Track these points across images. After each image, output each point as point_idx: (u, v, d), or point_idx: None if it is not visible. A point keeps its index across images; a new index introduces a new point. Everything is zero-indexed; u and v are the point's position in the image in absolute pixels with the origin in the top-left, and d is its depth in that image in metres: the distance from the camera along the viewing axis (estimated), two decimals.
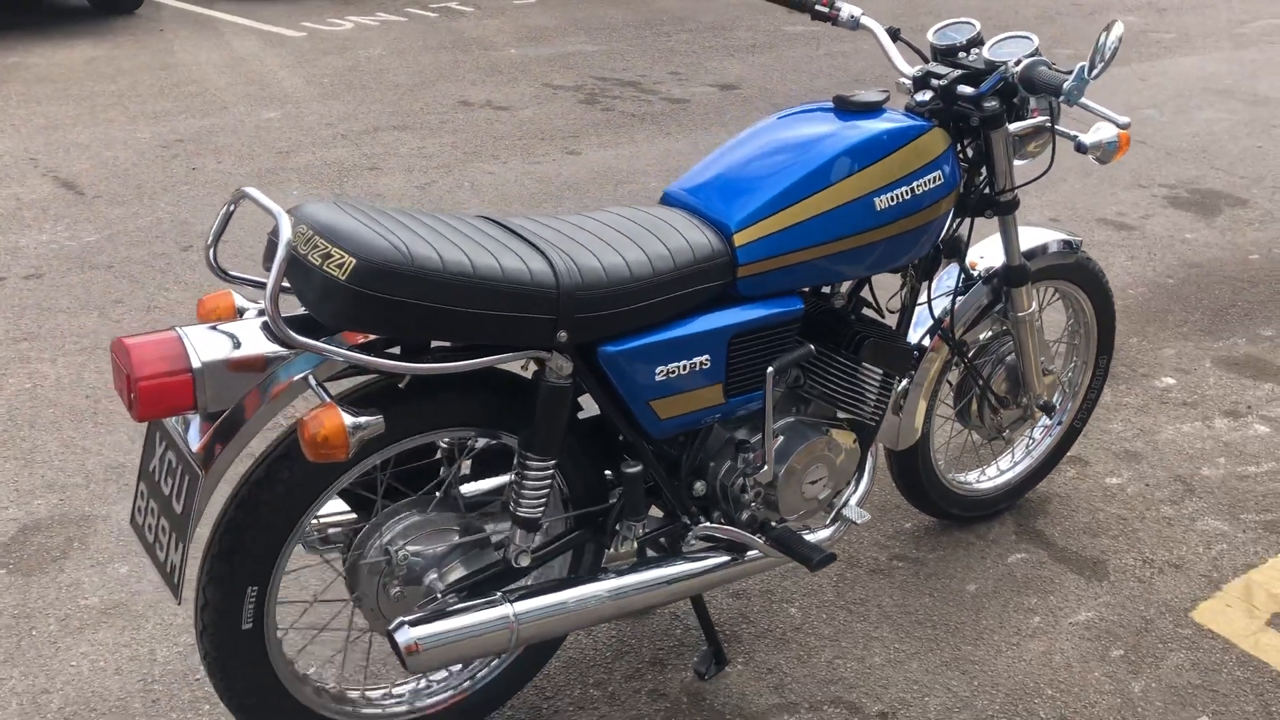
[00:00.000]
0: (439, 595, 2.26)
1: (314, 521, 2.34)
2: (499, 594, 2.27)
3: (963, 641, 2.95)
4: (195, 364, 1.94)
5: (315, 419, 1.90)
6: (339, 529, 2.38)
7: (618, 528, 2.46)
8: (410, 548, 2.28)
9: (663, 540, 2.58)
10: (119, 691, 2.73)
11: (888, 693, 2.77)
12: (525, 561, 2.32)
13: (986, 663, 2.87)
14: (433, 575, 2.32)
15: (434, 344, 2.15)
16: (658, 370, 2.28)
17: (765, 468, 2.51)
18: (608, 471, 2.47)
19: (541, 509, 2.29)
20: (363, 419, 1.93)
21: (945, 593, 3.14)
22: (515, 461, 2.27)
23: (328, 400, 1.96)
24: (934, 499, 3.26)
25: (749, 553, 2.61)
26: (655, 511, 2.58)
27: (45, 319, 4.67)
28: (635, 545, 2.48)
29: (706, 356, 2.33)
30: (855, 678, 2.82)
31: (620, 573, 2.44)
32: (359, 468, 2.15)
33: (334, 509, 2.37)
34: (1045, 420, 3.41)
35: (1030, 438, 3.51)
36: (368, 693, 2.46)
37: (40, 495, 3.50)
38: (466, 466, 2.48)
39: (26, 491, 3.52)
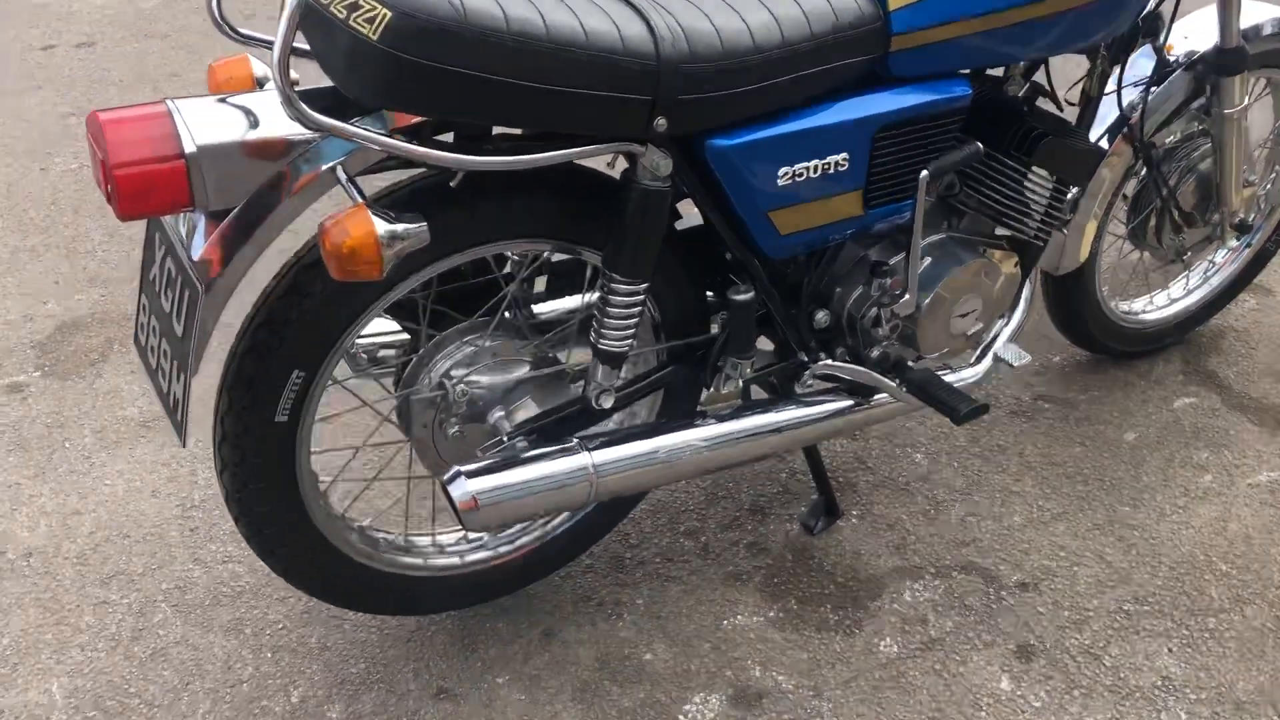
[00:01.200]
0: (505, 438, 1.87)
1: (358, 342, 1.95)
2: (575, 440, 1.87)
3: (1119, 501, 2.51)
4: (190, 148, 1.51)
5: (339, 225, 1.47)
6: (393, 350, 1.99)
7: (720, 364, 2.02)
8: (471, 379, 1.88)
9: (773, 380, 2.15)
10: (155, 517, 2.44)
11: (1029, 559, 2.36)
12: (608, 402, 1.91)
13: (1147, 528, 2.43)
14: (498, 413, 1.93)
15: (496, 131, 1.68)
16: (781, 172, 1.79)
17: (906, 296, 2.04)
18: (710, 295, 2.02)
19: (628, 341, 1.85)
20: (401, 226, 1.49)
21: (1099, 441, 2.68)
22: (599, 283, 1.82)
23: (358, 201, 1.52)
24: (1091, 331, 2.76)
25: (875, 397, 2.17)
26: (764, 345, 2.13)
27: (96, 92, 4.27)
28: (739, 385, 2.05)
29: (845, 155, 1.83)
30: (991, 540, 2.41)
31: (720, 418, 2.02)
32: (406, 284, 1.73)
33: (382, 328, 1.97)
34: (1234, 241, 2.84)
35: (1211, 261, 2.95)
36: (439, 538, 2.11)
37: (82, 290, 3.18)
38: (540, 284, 2.05)
39: (68, 284, 3.20)
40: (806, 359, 2.12)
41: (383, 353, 1.99)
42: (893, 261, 2.04)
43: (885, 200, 1.94)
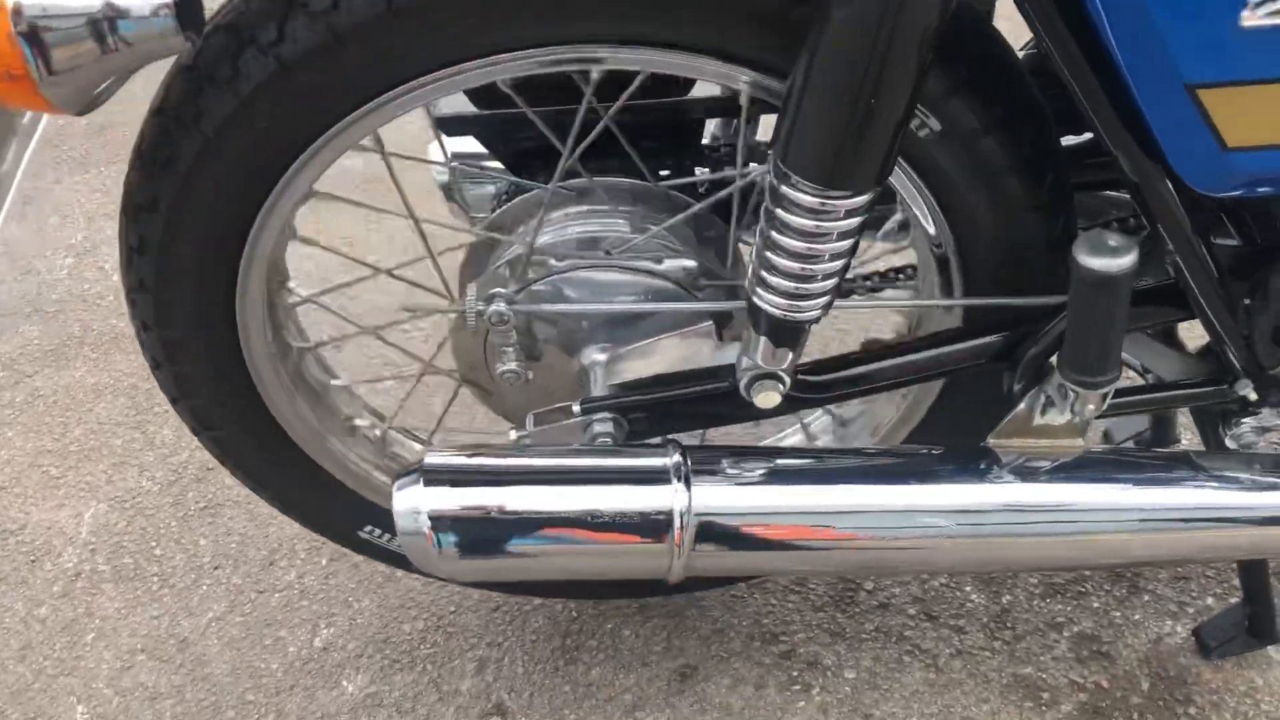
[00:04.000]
0: (579, 408, 1.02)
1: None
2: (669, 443, 0.98)
3: None
4: None
5: None
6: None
7: (1047, 373, 0.99)
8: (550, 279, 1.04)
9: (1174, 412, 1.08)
10: None
11: None
12: (768, 399, 0.98)
13: None
14: (596, 354, 1.07)
15: None
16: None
17: None
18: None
19: (825, 296, 0.90)
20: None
21: None
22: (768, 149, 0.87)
23: None
24: None
25: None
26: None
27: None
28: (1085, 417, 1.01)
29: None
30: None
31: (1024, 471, 1.01)
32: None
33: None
34: None
35: None
36: None
37: None
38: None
39: None
40: (1254, 395, 1.02)
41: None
42: None
43: None
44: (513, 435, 1.04)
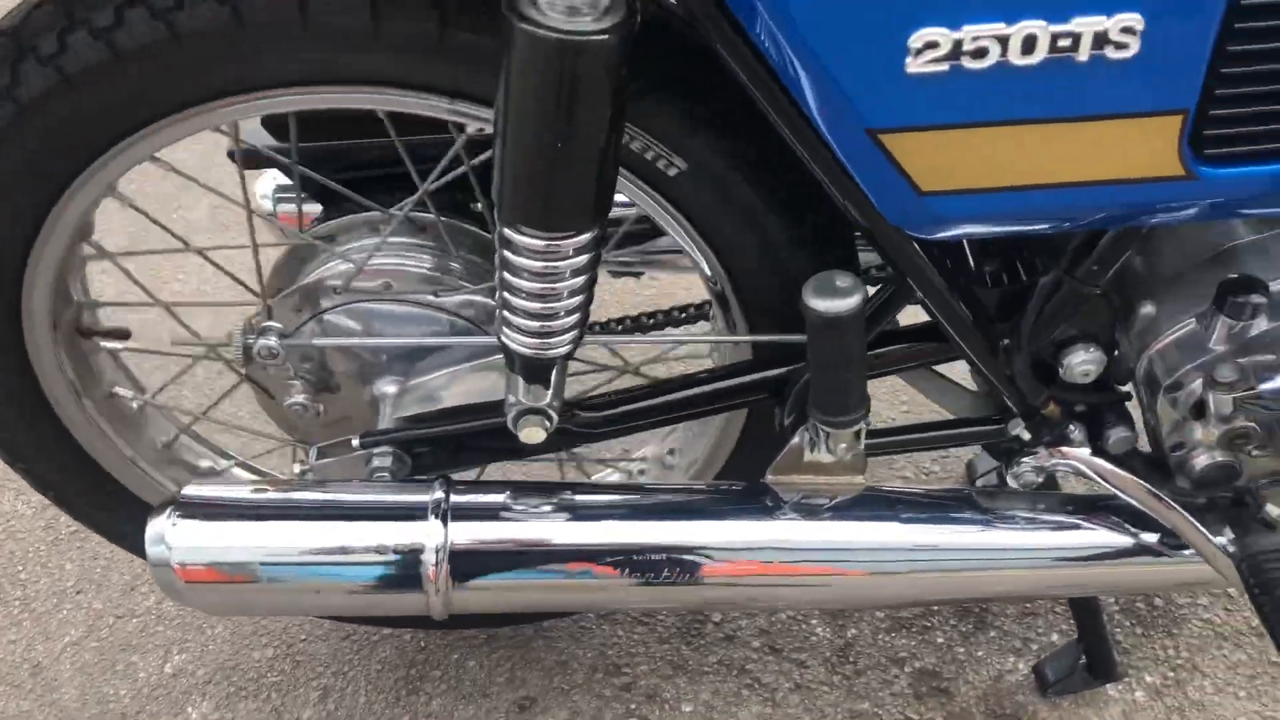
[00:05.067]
0: (359, 441, 1.03)
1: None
2: (438, 481, 0.98)
3: None
4: None
5: None
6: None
7: (798, 407, 1.00)
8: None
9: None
10: None
11: None
12: (533, 435, 0.98)
13: None
14: (388, 385, 1.08)
15: None
16: (915, 37, 0.69)
17: None
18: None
19: (571, 331, 0.91)
20: None
21: None
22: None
23: None
24: None
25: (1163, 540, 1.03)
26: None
27: None
28: (833, 455, 1.01)
29: (1141, 14, 0.69)
30: None
31: (804, 508, 1.01)
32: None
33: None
34: None
35: None
36: None
37: None
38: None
39: None
40: (1028, 435, 1.02)
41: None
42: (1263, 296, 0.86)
43: (1253, 150, 0.76)
44: (296, 469, 1.05)
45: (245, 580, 0.93)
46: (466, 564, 0.95)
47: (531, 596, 0.99)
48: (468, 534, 0.95)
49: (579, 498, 1.00)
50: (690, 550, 0.97)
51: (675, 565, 0.96)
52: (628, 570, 0.96)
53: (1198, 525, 0.98)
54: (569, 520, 0.97)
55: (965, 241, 0.96)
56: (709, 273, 1.01)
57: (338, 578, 0.94)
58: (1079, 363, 0.97)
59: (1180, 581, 1.12)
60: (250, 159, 1.10)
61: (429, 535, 0.94)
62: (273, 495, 0.96)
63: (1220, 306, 0.89)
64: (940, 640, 1.42)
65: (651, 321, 1.20)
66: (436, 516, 0.95)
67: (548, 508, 0.98)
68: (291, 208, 1.22)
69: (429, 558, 0.94)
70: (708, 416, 1.08)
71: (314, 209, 1.17)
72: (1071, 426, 1.02)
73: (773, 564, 0.97)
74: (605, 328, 1.24)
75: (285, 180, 1.19)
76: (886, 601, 1.09)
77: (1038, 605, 1.45)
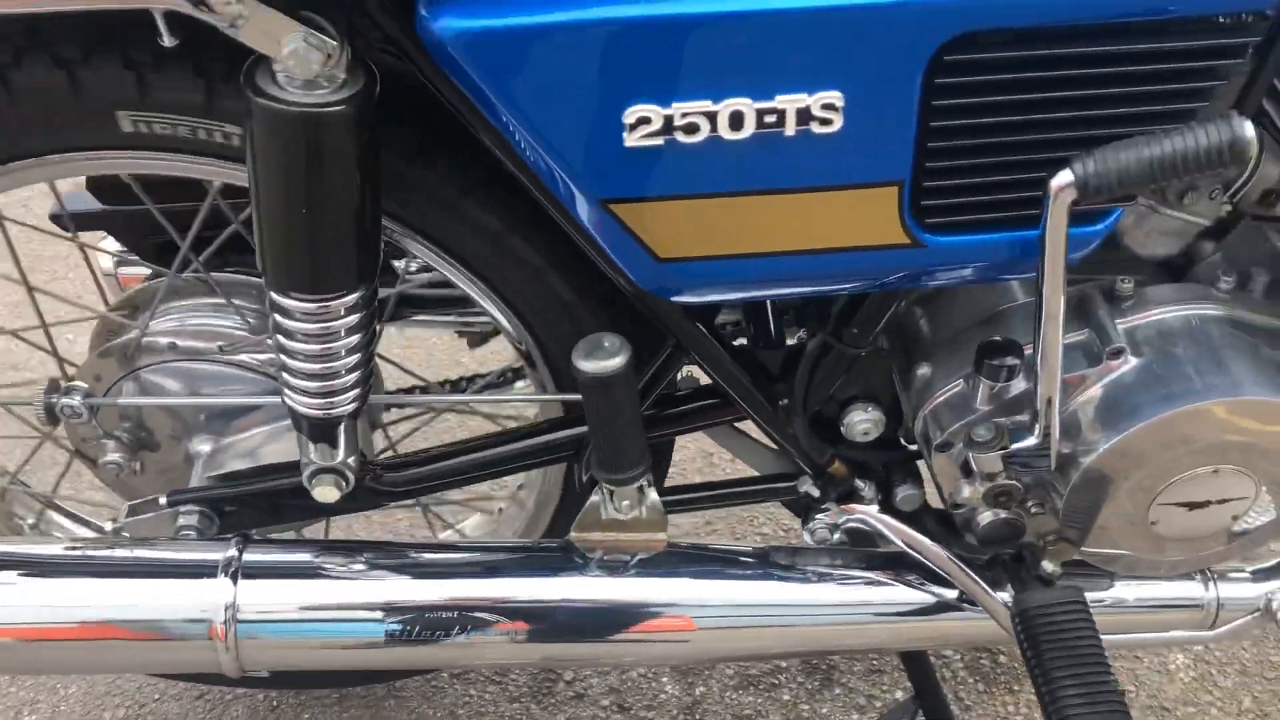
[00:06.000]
0: (165, 500, 1.05)
1: None
2: (235, 540, 1.00)
3: None
4: None
5: None
6: None
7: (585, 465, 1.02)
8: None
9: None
10: None
11: None
12: (327, 494, 1.00)
13: None
14: (202, 444, 1.10)
15: None
16: (630, 113, 0.73)
17: (1032, 439, 0.89)
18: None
19: (353, 390, 0.94)
20: None
21: None
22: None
23: None
24: None
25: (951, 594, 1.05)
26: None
27: None
28: (620, 512, 1.03)
29: (841, 93, 0.73)
30: None
31: (611, 567, 1.03)
32: None
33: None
34: None
35: None
36: None
37: None
38: None
39: None
40: (817, 491, 1.05)
41: None
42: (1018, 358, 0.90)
43: (974, 219, 0.80)
44: (108, 526, 1.07)
45: (40, 638, 0.94)
46: (254, 622, 0.96)
47: (323, 655, 1.00)
48: (255, 593, 0.96)
49: (373, 556, 1.02)
50: (476, 609, 0.99)
51: (463, 623, 0.98)
52: (414, 629, 0.98)
53: (979, 581, 1.01)
54: (359, 579, 0.99)
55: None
56: (513, 333, 1.04)
57: (131, 636, 0.95)
58: (858, 422, 1.01)
59: (975, 637, 1.14)
60: (73, 220, 1.13)
61: (218, 594, 0.95)
62: (72, 553, 0.98)
63: (979, 368, 0.92)
64: (787, 697, 1.44)
65: (474, 383, 1.23)
66: (227, 575, 0.96)
67: (341, 566, 1.00)
68: (137, 270, 1.25)
69: (217, 616, 0.95)
70: (518, 473, 1.11)
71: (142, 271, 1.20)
72: (862, 483, 1.05)
73: (554, 621, 0.99)
74: (426, 389, 1.27)
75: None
76: (674, 659, 1.10)
77: (883, 662, 1.47)
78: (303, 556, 0.99)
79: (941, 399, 0.96)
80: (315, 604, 0.98)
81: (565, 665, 1.20)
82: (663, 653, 1.05)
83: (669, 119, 0.74)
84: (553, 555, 1.04)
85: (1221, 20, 0.73)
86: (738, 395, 0.98)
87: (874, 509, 1.04)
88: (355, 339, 0.91)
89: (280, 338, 0.90)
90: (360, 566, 1.01)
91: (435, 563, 1.02)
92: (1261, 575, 1.10)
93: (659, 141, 0.75)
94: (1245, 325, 0.93)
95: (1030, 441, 0.90)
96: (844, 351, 0.95)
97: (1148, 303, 0.94)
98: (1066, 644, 0.95)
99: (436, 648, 0.99)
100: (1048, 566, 1.01)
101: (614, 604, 1.01)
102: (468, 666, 1.33)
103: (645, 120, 0.74)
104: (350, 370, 0.93)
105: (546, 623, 1.00)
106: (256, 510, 1.07)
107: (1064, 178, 0.74)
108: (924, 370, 0.99)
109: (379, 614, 0.99)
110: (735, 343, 1.00)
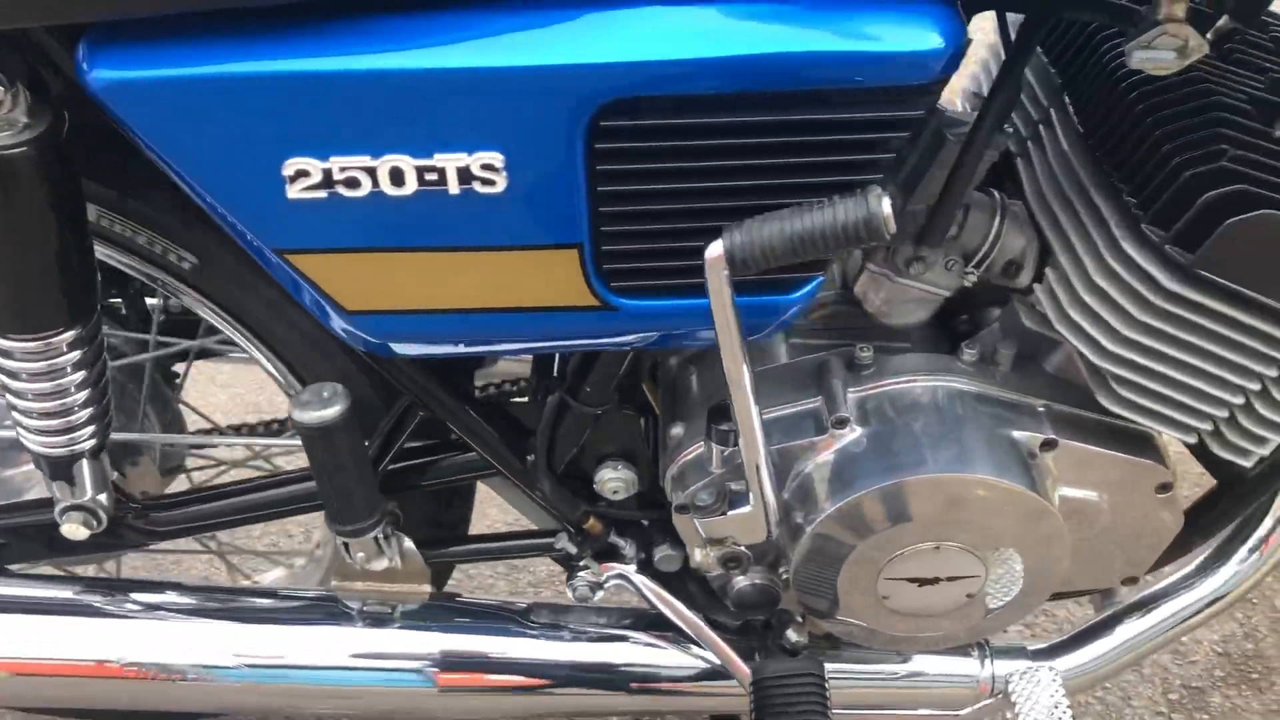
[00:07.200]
0: None
1: None
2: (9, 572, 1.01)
3: None
4: None
5: None
6: None
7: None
8: None
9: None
10: None
11: None
12: (77, 532, 1.01)
13: None
14: None
15: None
16: (289, 165, 0.73)
17: (748, 508, 0.88)
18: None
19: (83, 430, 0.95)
20: None
21: None
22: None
23: None
24: None
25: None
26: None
27: None
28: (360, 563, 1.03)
29: (503, 153, 0.74)
30: None
31: (316, 614, 1.03)
32: None
33: None
34: None
35: None
36: None
37: None
38: None
39: None
40: (574, 548, 1.04)
41: None
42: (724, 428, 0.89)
43: (660, 284, 0.79)
44: None
45: None
46: None
47: (60, 692, 1.00)
48: None
49: (120, 595, 1.02)
50: (216, 652, 0.98)
51: (196, 668, 0.98)
52: (153, 670, 0.98)
53: (724, 648, 0.99)
54: (99, 617, 0.99)
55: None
56: (269, 369, 1.04)
57: None
58: (608, 480, 1.00)
59: (736, 707, 1.11)
60: None
61: None
62: None
63: (708, 433, 0.91)
64: None
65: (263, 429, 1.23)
66: None
67: (83, 604, 1.00)
68: None
69: None
70: (284, 518, 1.10)
71: None
72: (622, 541, 1.03)
73: (295, 668, 0.99)
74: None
75: None
76: (419, 714, 1.08)
77: None
78: (39, 591, 0.99)
79: (684, 460, 0.95)
80: (48, 641, 0.98)
81: (303, 713, 1.19)
82: (405, 705, 1.04)
83: (328, 172, 0.74)
84: (312, 604, 1.04)
85: (883, 92, 0.72)
86: (480, 448, 0.98)
87: (631, 569, 1.03)
88: (82, 375, 0.92)
89: (4, 378, 0.91)
90: (101, 605, 1.01)
91: (178, 606, 1.02)
92: (1041, 655, 1.07)
93: (322, 195, 0.75)
94: (984, 399, 0.92)
95: (745, 510, 0.89)
96: (579, 410, 0.94)
97: (885, 372, 0.92)
98: (792, 717, 0.93)
99: (169, 686, 0.99)
100: (792, 636, 0.99)
101: (359, 655, 1.01)
102: (202, 710, 1.33)
103: (305, 173, 0.74)
104: (84, 405, 0.93)
105: (289, 669, 0.99)
106: (32, 543, 1.07)
107: (715, 248, 0.73)
108: (676, 430, 0.98)
109: (119, 653, 0.99)
110: (479, 395, 0.99)
